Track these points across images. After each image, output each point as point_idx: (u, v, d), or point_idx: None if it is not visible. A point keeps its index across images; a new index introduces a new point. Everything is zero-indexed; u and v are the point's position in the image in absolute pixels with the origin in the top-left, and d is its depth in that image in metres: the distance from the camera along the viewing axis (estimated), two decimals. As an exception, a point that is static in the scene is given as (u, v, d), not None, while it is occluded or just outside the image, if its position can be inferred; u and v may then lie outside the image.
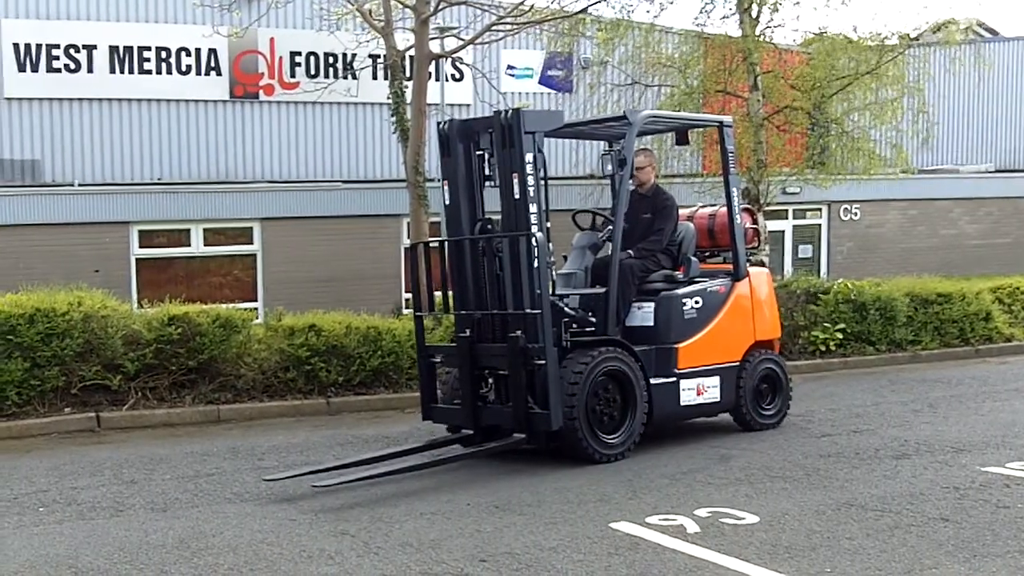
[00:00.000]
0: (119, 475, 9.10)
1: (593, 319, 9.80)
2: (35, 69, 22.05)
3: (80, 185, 21.20)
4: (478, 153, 9.37)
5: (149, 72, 22.85)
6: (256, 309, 19.75)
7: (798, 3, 20.07)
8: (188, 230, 20.98)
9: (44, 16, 22.08)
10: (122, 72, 22.64)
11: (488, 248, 9.29)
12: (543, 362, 8.74)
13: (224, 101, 23.48)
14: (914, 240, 27.40)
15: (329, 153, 24.31)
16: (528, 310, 8.82)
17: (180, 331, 12.10)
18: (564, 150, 23.17)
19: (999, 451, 9.32)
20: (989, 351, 16.86)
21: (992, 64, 26.83)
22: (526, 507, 7.68)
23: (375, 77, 23.61)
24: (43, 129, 22.19)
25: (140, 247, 20.57)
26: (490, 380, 9.31)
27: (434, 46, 17.96)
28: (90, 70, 22.39)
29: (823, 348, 15.85)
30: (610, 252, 9.91)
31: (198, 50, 23.00)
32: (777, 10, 19.62)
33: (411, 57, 17.81)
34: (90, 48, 22.35)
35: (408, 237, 19.83)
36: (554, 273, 9.73)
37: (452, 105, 22.52)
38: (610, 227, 10.08)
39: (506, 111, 9.06)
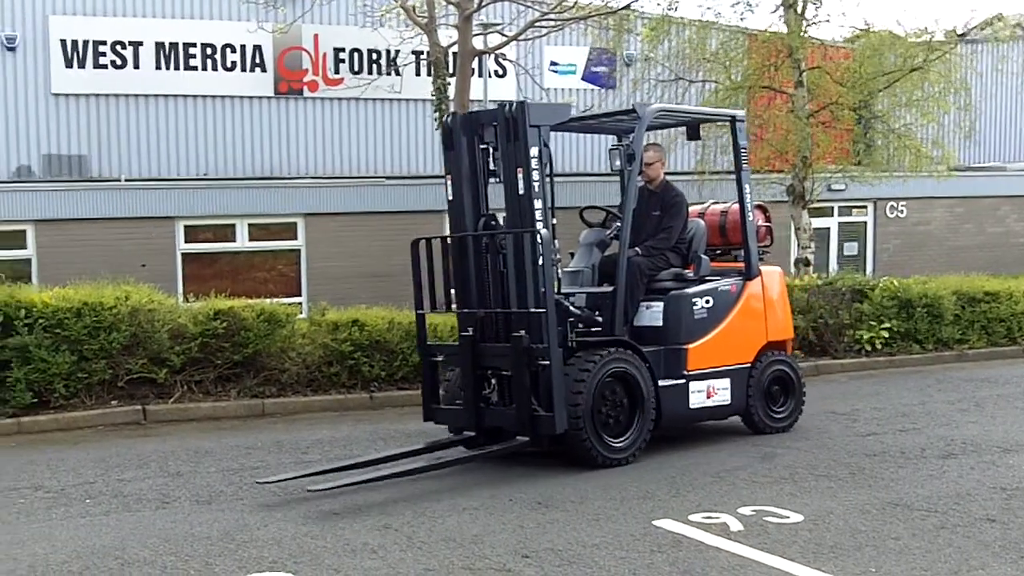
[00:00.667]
0: (164, 467, 9.19)
1: (600, 319, 9.52)
2: (82, 65, 22.26)
3: (127, 180, 21.37)
4: (482, 147, 9.06)
5: (195, 68, 22.99)
6: (300, 304, 19.89)
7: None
8: (233, 225, 21.09)
9: (91, 13, 22.28)
10: (168, 68, 22.80)
11: (492, 245, 9.02)
12: (547, 363, 8.48)
13: (268, 97, 23.58)
14: (961, 238, 27.05)
15: (373, 149, 24.37)
16: (532, 309, 8.58)
17: (225, 325, 12.21)
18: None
19: (1048, 452, 9.20)
20: (1037, 350, 16.65)
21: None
22: (569, 503, 7.67)
23: (418, 73, 23.64)
24: (90, 125, 22.38)
25: (186, 242, 20.70)
26: (493, 381, 9.03)
27: (477, 42, 17.97)
28: (136, 66, 22.57)
29: (869, 347, 15.72)
30: (618, 249, 9.60)
31: (243, 47, 23.12)
32: (820, 4, 19.50)
33: (454, 53, 17.85)
34: (136, 44, 22.53)
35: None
36: (560, 271, 9.40)
37: (495, 101, 22.47)
38: (618, 224, 9.80)
39: (511, 103, 8.74)
